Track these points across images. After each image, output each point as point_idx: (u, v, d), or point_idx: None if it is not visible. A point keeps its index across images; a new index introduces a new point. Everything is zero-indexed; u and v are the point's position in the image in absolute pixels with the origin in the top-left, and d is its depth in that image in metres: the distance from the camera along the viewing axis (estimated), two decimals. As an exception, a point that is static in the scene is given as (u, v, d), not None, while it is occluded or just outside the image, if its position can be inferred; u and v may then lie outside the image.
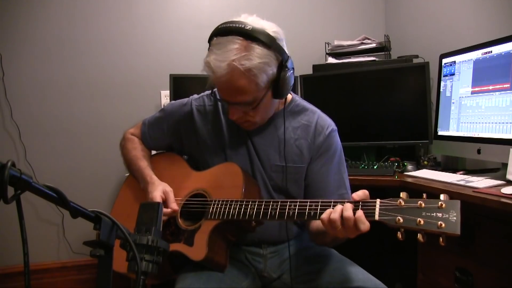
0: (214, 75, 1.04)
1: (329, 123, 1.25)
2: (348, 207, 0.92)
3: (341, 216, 0.92)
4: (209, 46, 1.09)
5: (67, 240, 2.39)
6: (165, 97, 2.43)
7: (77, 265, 2.39)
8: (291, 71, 1.11)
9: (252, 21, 1.07)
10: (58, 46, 2.34)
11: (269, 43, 1.04)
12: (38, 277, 2.31)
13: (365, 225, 0.90)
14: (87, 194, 2.36)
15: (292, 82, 1.14)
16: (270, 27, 1.07)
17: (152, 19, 2.46)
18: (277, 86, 1.09)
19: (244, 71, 1.02)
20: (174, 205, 1.19)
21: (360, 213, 0.90)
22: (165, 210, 1.17)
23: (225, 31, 1.05)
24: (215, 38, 1.06)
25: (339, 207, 0.94)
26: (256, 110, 1.13)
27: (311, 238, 1.22)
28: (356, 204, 0.93)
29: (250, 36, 1.03)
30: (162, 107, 1.46)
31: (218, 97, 1.18)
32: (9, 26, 2.26)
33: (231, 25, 1.05)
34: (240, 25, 1.04)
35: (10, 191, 0.56)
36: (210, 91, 1.31)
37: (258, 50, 1.03)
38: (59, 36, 2.34)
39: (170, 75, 2.23)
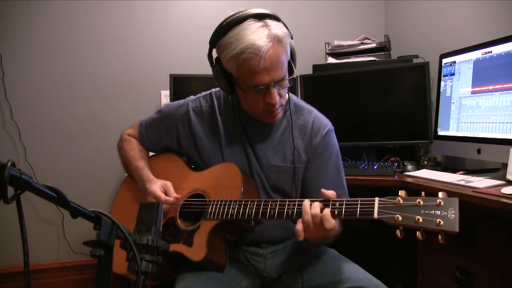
0: (260, 53, 1.01)
1: (325, 123, 1.25)
2: (316, 205, 0.95)
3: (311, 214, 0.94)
4: (225, 42, 1.06)
5: (67, 240, 2.39)
6: (165, 97, 2.43)
7: (77, 265, 2.39)
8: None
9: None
10: (58, 46, 2.34)
11: (276, 17, 1.08)
12: (38, 277, 2.31)
13: (329, 223, 0.92)
14: (87, 194, 2.36)
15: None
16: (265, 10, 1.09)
17: (152, 19, 2.46)
18: (293, 57, 1.13)
19: (280, 38, 1.05)
20: (175, 194, 1.20)
21: (326, 211, 0.93)
22: (168, 199, 1.18)
23: (237, 20, 1.04)
24: (231, 30, 1.04)
25: (306, 206, 0.96)
26: (285, 88, 1.14)
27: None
28: (325, 203, 0.96)
29: (261, 15, 1.06)
30: (162, 107, 1.45)
31: (252, 86, 1.08)
32: (9, 26, 2.26)
33: (237, 14, 1.05)
34: (244, 12, 1.05)
35: (10, 191, 0.56)
36: (207, 92, 1.32)
37: (274, 23, 1.06)
38: (59, 36, 2.34)
39: (170, 75, 2.23)
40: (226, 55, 1.07)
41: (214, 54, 1.14)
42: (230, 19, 1.05)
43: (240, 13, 1.05)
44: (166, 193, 1.21)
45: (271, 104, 1.11)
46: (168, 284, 1.25)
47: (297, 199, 1.04)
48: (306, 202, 0.96)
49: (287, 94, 1.24)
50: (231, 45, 1.04)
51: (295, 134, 1.23)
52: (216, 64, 1.12)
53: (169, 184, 1.23)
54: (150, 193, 1.21)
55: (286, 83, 1.12)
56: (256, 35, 1.02)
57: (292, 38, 1.12)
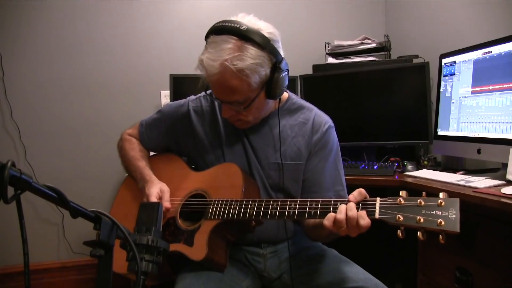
0: (207, 73, 1.06)
1: (326, 120, 1.26)
2: (352, 206, 0.93)
3: (346, 216, 0.92)
4: (206, 44, 1.09)
5: (67, 240, 2.39)
6: (165, 97, 2.43)
7: (77, 265, 2.39)
8: (285, 73, 1.11)
9: (248, 21, 1.07)
10: (58, 46, 2.34)
11: (263, 44, 1.04)
12: (38, 277, 2.31)
13: (365, 221, 0.90)
14: (87, 194, 2.36)
15: (286, 83, 1.14)
16: (266, 28, 1.08)
17: (152, 19, 2.46)
18: (270, 87, 1.10)
19: (236, 71, 1.02)
20: (167, 204, 1.19)
21: (362, 211, 0.91)
22: None
23: (220, 30, 1.05)
24: (211, 36, 1.07)
25: (343, 207, 0.94)
26: (249, 110, 1.13)
27: (306, 232, 1.23)
28: (356, 205, 0.94)
29: (245, 36, 1.03)
30: (162, 107, 1.45)
31: (213, 95, 1.18)
32: (9, 26, 2.26)
33: (226, 24, 1.05)
34: (236, 25, 1.04)
35: (10, 191, 0.56)
36: (207, 92, 1.32)
37: (251, 51, 1.03)
38: (59, 36, 2.34)
39: (170, 75, 2.23)
40: None
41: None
42: (221, 25, 1.06)
43: (233, 24, 1.04)
44: (160, 199, 1.20)
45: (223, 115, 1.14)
46: (168, 284, 1.25)
47: (298, 199, 1.04)
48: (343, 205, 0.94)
49: (286, 93, 1.24)
50: (203, 50, 1.08)
51: (295, 132, 1.23)
52: None
53: (166, 191, 1.22)
54: (146, 195, 1.21)
55: (240, 107, 1.11)
56: (215, 54, 1.03)
57: (277, 66, 1.07)
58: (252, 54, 1.03)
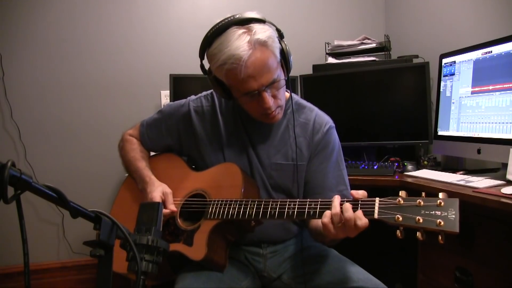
0: (241, 62, 1.01)
1: (326, 120, 1.26)
2: (348, 207, 0.92)
3: (341, 214, 0.92)
4: (210, 54, 1.08)
5: (67, 240, 2.39)
6: (165, 97, 2.43)
7: (77, 265, 2.39)
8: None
9: (234, 13, 1.07)
10: (58, 46, 2.34)
11: (262, 18, 1.07)
12: (38, 277, 2.31)
13: (362, 221, 0.90)
14: (87, 194, 2.36)
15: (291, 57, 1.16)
16: (252, 12, 1.09)
17: (152, 19, 2.46)
18: (285, 57, 1.12)
19: (263, 42, 1.03)
20: (172, 207, 1.19)
21: (359, 211, 0.91)
22: (164, 211, 1.17)
23: (220, 30, 1.05)
24: (215, 41, 1.06)
25: (336, 202, 0.94)
26: (280, 90, 1.13)
27: (312, 237, 1.23)
28: (355, 204, 0.93)
29: (244, 20, 1.05)
30: (162, 107, 1.45)
31: (244, 93, 1.09)
32: (9, 26, 2.26)
33: (220, 24, 1.05)
34: (229, 18, 1.05)
35: (10, 191, 0.56)
36: (208, 92, 1.32)
37: (258, 26, 1.05)
38: (59, 36, 2.34)
39: (170, 75, 2.23)
40: (213, 65, 1.09)
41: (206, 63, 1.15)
42: (213, 30, 1.06)
43: (223, 22, 1.05)
44: (164, 202, 1.20)
45: (265, 107, 1.11)
46: (168, 283, 1.25)
47: (298, 199, 1.04)
48: (336, 201, 0.95)
49: (287, 93, 1.24)
50: (215, 56, 1.06)
51: (296, 132, 1.23)
52: (209, 73, 1.14)
53: (169, 193, 1.22)
54: (149, 199, 1.21)
55: (279, 84, 1.11)
56: (236, 44, 1.02)
57: (283, 37, 1.11)
58: (262, 28, 1.05)
